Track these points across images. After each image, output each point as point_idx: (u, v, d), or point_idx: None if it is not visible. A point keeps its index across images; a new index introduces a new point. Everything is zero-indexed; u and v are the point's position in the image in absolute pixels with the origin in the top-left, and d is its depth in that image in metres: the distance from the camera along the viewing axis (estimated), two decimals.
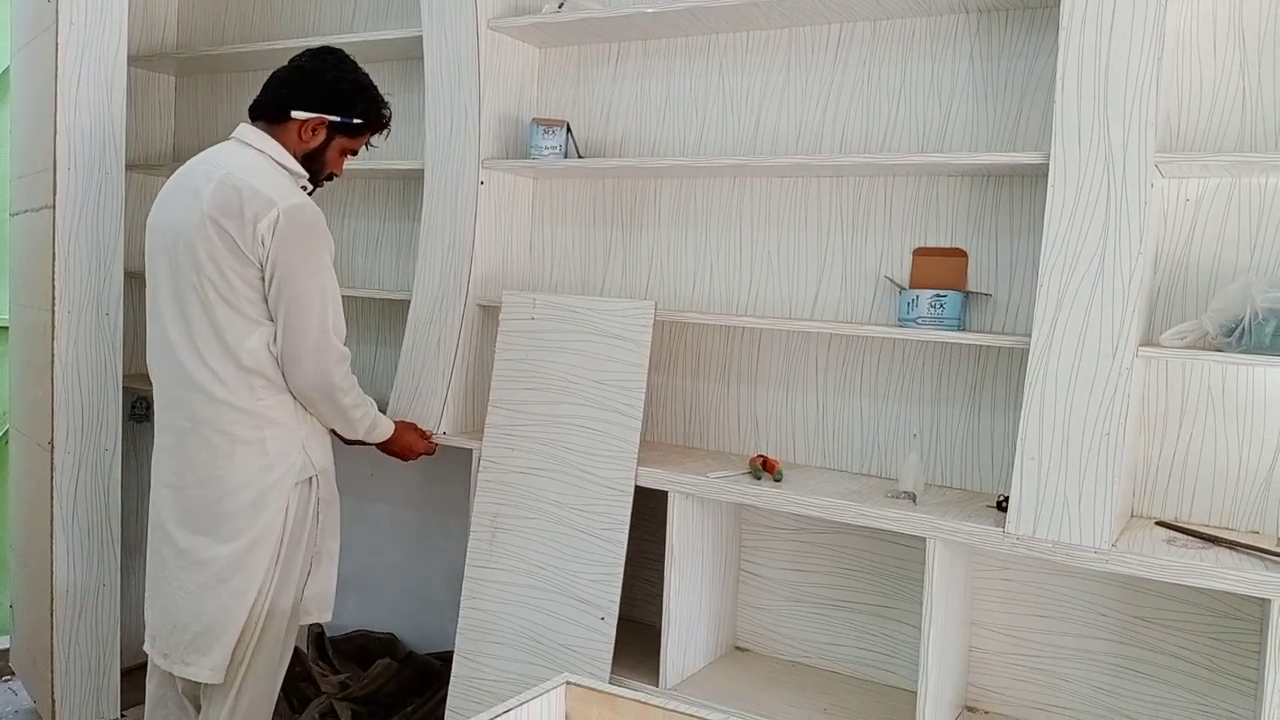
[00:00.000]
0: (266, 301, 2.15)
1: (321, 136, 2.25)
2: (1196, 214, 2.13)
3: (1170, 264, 2.15)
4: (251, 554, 2.17)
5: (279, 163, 2.21)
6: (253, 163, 2.18)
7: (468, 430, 2.77)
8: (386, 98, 2.37)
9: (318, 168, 2.30)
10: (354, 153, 2.37)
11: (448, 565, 3.09)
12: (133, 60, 3.13)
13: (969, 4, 2.28)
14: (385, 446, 2.50)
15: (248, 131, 2.24)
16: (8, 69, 3.34)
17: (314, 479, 2.27)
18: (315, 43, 2.47)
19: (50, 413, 2.78)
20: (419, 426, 2.66)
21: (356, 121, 2.28)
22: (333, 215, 3.31)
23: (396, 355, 2.86)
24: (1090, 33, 1.94)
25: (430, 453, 2.65)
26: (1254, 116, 2.07)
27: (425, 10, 2.75)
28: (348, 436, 2.38)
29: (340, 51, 2.33)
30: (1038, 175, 2.14)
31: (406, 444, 2.55)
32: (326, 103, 2.25)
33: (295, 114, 2.23)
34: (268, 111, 2.25)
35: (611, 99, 2.83)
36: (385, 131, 2.39)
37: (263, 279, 2.13)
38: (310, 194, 2.27)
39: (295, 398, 2.22)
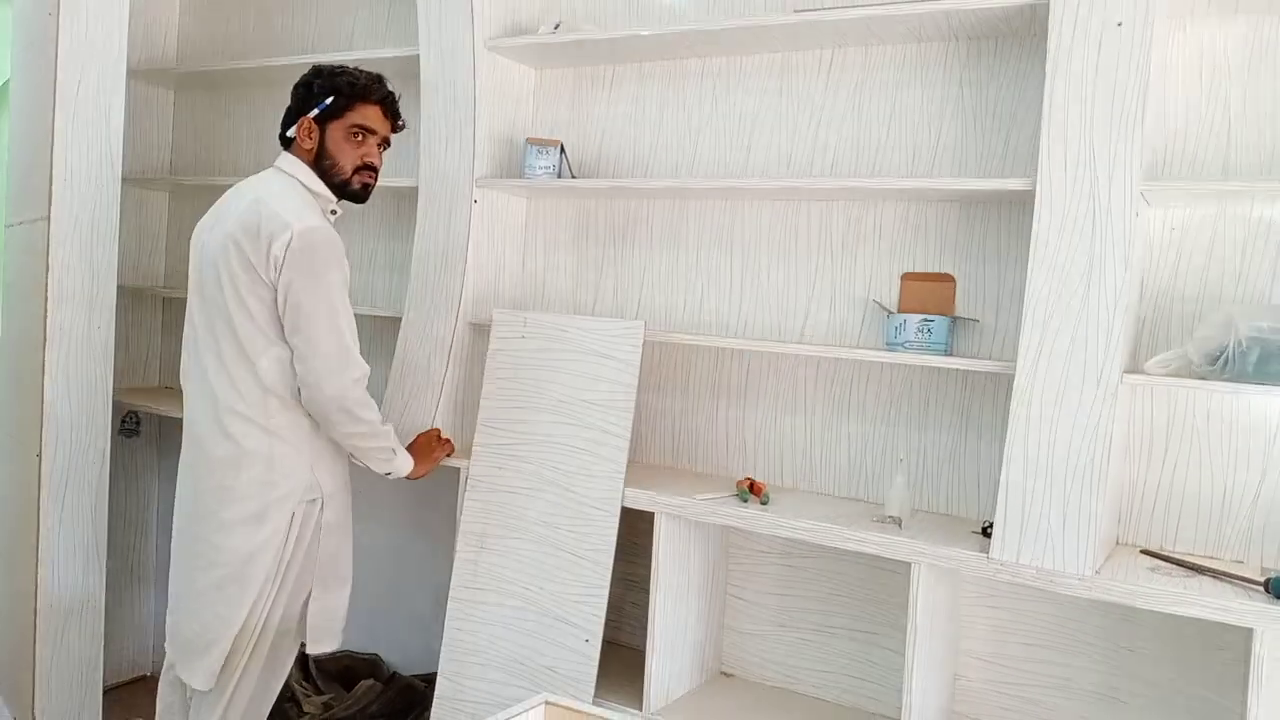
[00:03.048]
0: (281, 322, 2.17)
1: (315, 135, 2.27)
2: (1182, 242, 2.14)
3: (1156, 292, 2.16)
4: (249, 566, 2.20)
5: (307, 187, 2.27)
6: (282, 188, 2.24)
7: (457, 449, 2.76)
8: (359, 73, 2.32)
9: (330, 165, 2.27)
10: (365, 132, 2.28)
11: (434, 585, 3.07)
12: (132, 74, 3.15)
13: (958, 31, 2.30)
14: (416, 474, 2.46)
15: (284, 159, 2.31)
16: (8, 82, 3.36)
17: (320, 501, 2.27)
18: (314, 60, 2.50)
19: (39, 425, 2.77)
20: (430, 436, 2.58)
21: (328, 101, 2.25)
22: None
23: (387, 373, 2.86)
24: (1077, 62, 1.96)
25: (450, 453, 2.60)
26: (1237, 147, 2.08)
27: (423, 30, 2.77)
28: (376, 464, 2.33)
29: (321, 65, 2.34)
30: (1025, 201, 2.15)
31: (433, 460, 2.52)
32: (300, 104, 2.30)
33: (290, 133, 2.31)
34: (284, 143, 2.33)
35: (606, 120, 2.84)
36: (378, 95, 2.30)
37: (276, 300, 2.16)
38: (364, 197, 2.34)
39: (315, 420, 2.24)
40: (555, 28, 2.70)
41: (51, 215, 2.76)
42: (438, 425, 2.71)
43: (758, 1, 2.62)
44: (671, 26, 2.51)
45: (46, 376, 2.77)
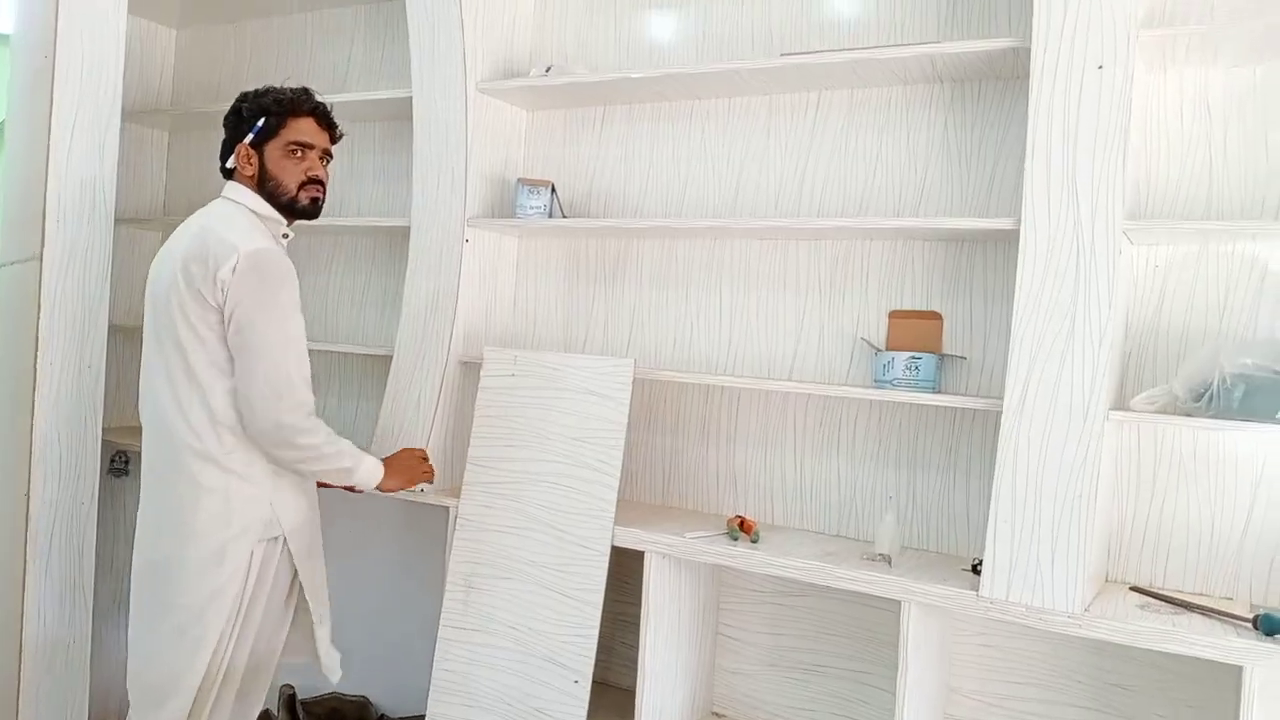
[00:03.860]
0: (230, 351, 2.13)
1: (255, 160, 2.25)
2: (1166, 280, 2.16)
3: (1141, 329, 2.18)
4: (210, 607, 2.14)
5: (254, 211, 2.24)
6: (229, 214, 2.22)
7: (446, 488, 2.76)
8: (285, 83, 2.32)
9: (275, 186, 2.24)
10: (303, 148, 2.25)
11: (423, 626, 3.04)
12: (127, 115, 3.17)
13: (942, 74, 2.33)
14: (386, 486, 2.38)
15: (229, 188, 2.29)
16: (3, 123, 3.39)
17: (281, 539, 2.22)
18: None
19: (28, 464, 2.76)
20: (414, 454, 2.51)
21: (259, 123, 2.24)
22: (318, 269, 3.34)
23: (378, 411, 2.86)
24: (1059, 103, 1.99)
25: (429, 479, 2.54)
26: (1220, 185, 2.11)
27: (416, 72, 2.81)
28: (337, 483, 2.29)
29: (247, 91, 2.33)
30: (1011, 240, 2.17)
31: (408, 478, 2.45)
32: (234, 132, 2.29)
33: (229, 164, 2.29)
34: (226, 174, 2.32)
35: (596, 160, 2.87)
36: (308, 108, 2.27)
37: (224, 324, 2.12)
38: (315, 212, 2.30)
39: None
40: (547, 70, 2.74)
41: (44, 255, 2.76)
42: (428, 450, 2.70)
43: (745, 45, 2.66)
44: (661, 69, 2.54)
45: (36, 416, 2.76)
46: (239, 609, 2.17)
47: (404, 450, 2.50)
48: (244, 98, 2.30)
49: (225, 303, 2.10)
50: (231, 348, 2.12)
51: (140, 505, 2.28)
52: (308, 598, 2.30)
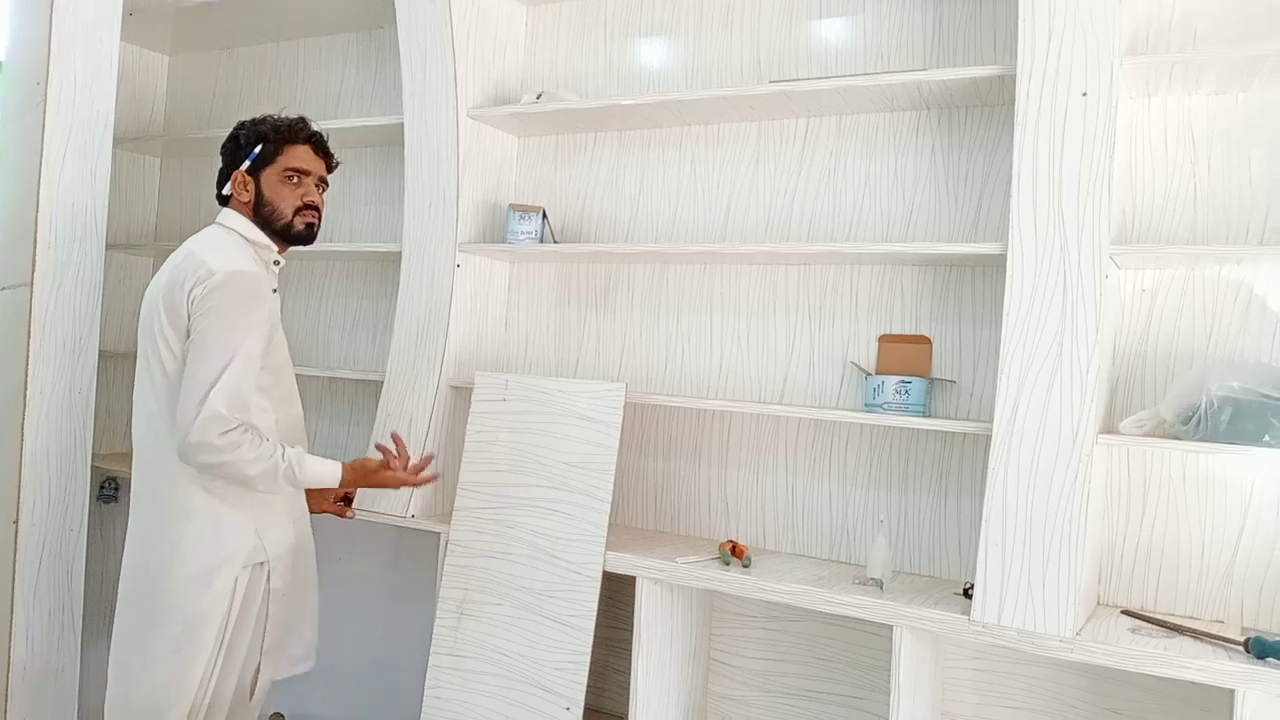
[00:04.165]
0: None
1: (251, 187, 2.26)
2: (1153, 304, 2.18)
3: (1129, 353, 2.19)
4: (195, 630, 2.12)
5: (246, 237, 2.25)
6: (218, 239, 2.23)
7: (437, 513, 2.75)
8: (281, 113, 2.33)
9: (270, 211, 2.25)
10: (300, 174, 2.26)
11: (415, 653, 3.03)
12: (119, 141, 3.18)
13: (929, 101, 2.36)
14: (353, 484, 2.29)
15: (223, 214, 2.30)
16: None
17: (266, 565, 2.20)
18: None
19: (17, 491, 2.75)
20: (391, 457, 2.33)
21: (256, 150, 2.26)
22: (311, 294, 3.35)
23: (369, 436, 2.85)
24: (1045, 130, 2.01)
25: (416, 485, 2.37)
26: (1204, 210, 2.13)
27: (407, 98, 2.82)
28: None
29: (244, 120, 2.34)
30: (999, 264, 2.19)
31: (378, 481, 2.31)
32: (231, 159, 2.30)
33: (225, 190, 2.29)
34: (222, 201, 2.32)
35: (587, 185, 2.89)
36: (304, 135, 2.28)
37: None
38: (310, 238, 2.29)
39: None
40: (537, 97, 2.76)
41: (35, 281, 2.76)
42: (417, 489, 2.68)
43: (735, 72, 2.68)
44: (651, 96, 2.56)
45: (25, 442, 2.75)
46: (224, 636, 2.15)
47: (370, 461, 2.32)
48: (242, 125, 2.32)
49: (190, 318, 2.09)
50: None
51: (129, 525, 2.27)
52: (268, 628, 2.22)
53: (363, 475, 2.30)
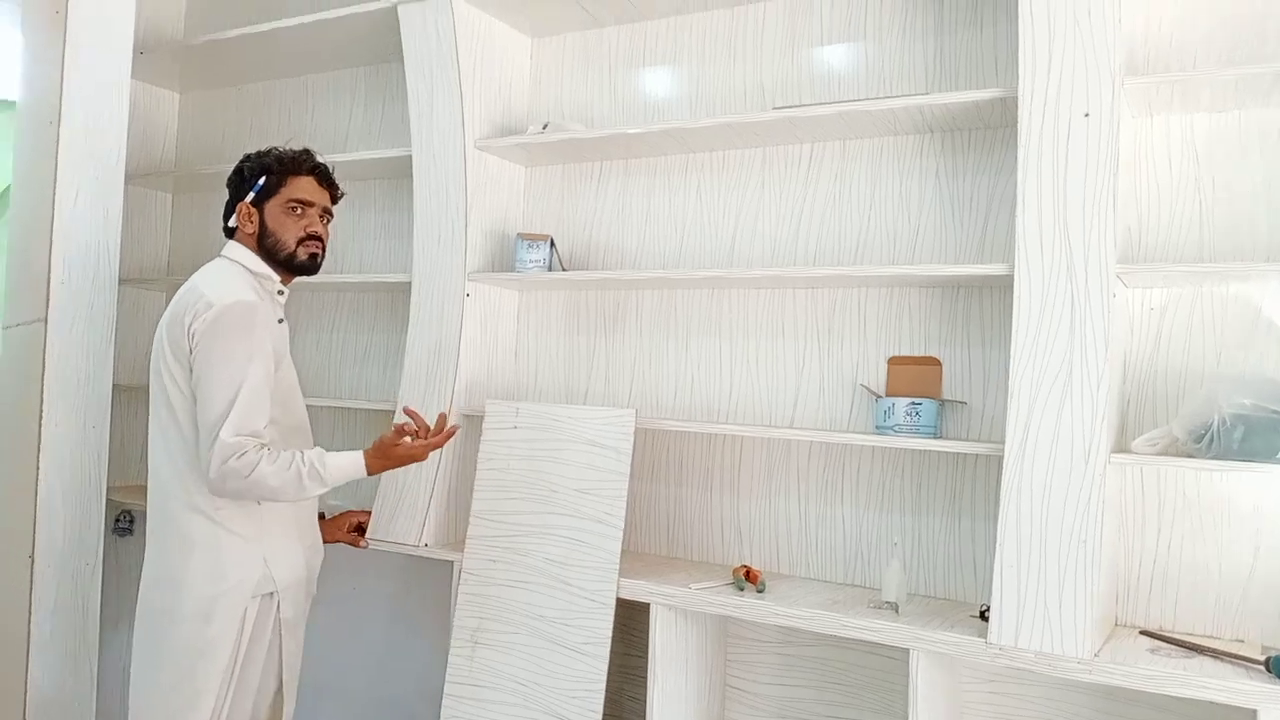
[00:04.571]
0: None
1: (255, 218, 2.28)
2: (1161, 322, 2.18)
3: (1139, 371, 2.19)
4: (201, 663, 2.12)
5: (248, 268, 2.27)
6: (221, 271, 2.25)
7: (450, 542, 2.75)
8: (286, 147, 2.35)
9: (274, 242, 2.27)
10: (303, 205, 2.28)
11: (429, 682, 3.02)
12: (131, 178, 3.22)
13: (932, 124, 2.37)
14: (380, 467, 2.27)
15: (228, 247, 2.33)
16: (9, 187, 3.43)
17: (275, 595, 2.21)
18: None
19: (33, 525, 2.76)
20: (410, 431, 2.32)
21: (260, 182, 2.29)
22: (321, 326, 3.37)
23: None
24: (1048, 150, 2.02)
25: (440, 444, 2.34)
26: (1211, 228, 2.14)
27: (415, 131, 2.85)
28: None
29: (249, 152, 2.37)
30: (1006, 285, 2.19)
31: (399, 456, 2.28)
32: (235, 192, 2.33)
33: (230, 223, 2.32)
34: (228, 233, 2.35)
35: (594, 214, 2.91)
36: (308, 167, 2.31)
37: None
38: (314, 268, 2.31)
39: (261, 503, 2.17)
40: (544, 127, 2.78)
41: (48, 317, 2.79)
42: (430, 518, 2.69)
43: (739, 99, 2.71)
44: (656, 125, 2.58)
45: (41, 477, 2.77)
46: (233, 668, 2.15)
47: (385, 437, 2.30)
48: (246, 158, 2.35)
49: (191, 353, 2.11)
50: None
51: (144, 558, 2.30)
52: (284, 665, 2.24)
53: (386, 456, 2.27)
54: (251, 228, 2.28)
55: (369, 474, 2.26)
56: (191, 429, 2.14)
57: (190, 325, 2.12)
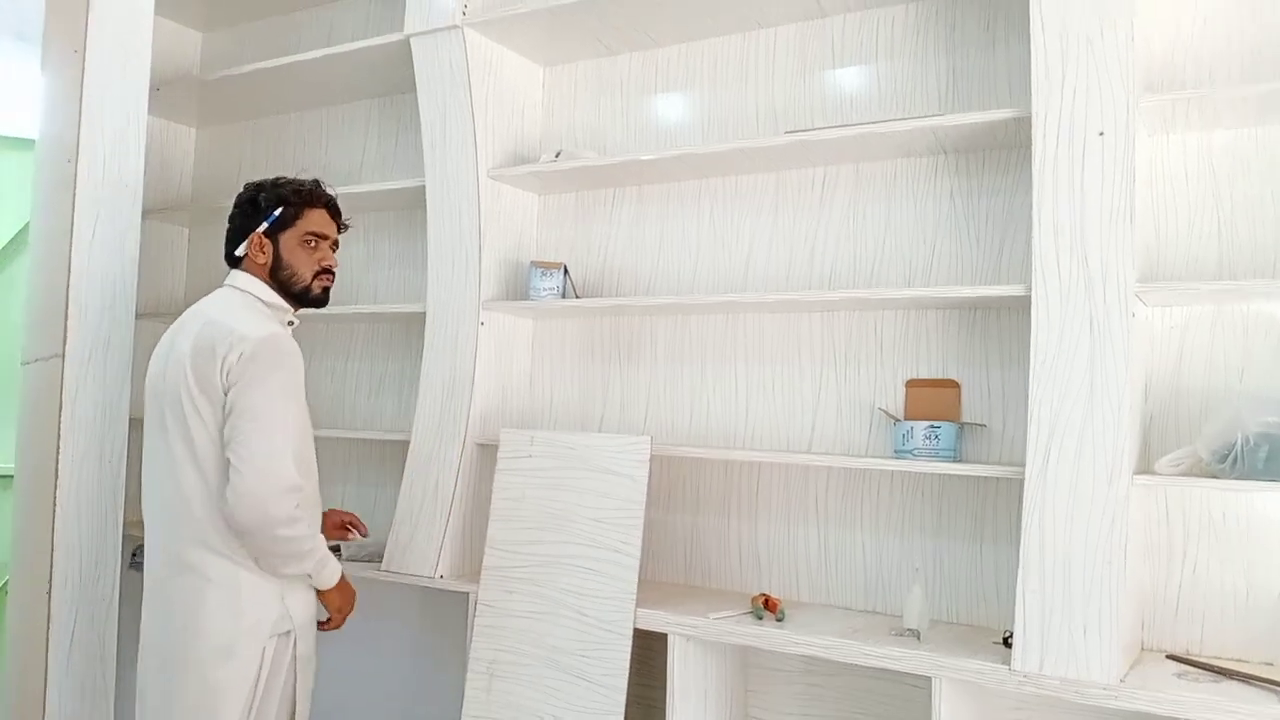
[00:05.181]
0: None
1: (269, 249, 2.25)
2: (1183, 341, 2.15)
3: (1161, 390, 2.16)
4: (218, 703, 2.07)
5: (261, 299, 2.24)
6: (236, 303, 2.22)
7: (465, 573, 2.73)
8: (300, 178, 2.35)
9: (290, 275, 2.26)
10: (318, 238, 2.29)
11: (446, 716, 2.99)
12: (149, 212, 3.24)
13: (946, 145, 2.36)
14: (331, 595, 2.24)
15: (236, 276, 2.28)
16: (26, 225, 3.47)
17: (292, 634, 2.17)
18: None
19: (50, 560, 2.76)
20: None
21: (276, 212, 2.26)
22: (336, 356, 3.38)
23: (396, 497, 2.85)
24: (1063, 170, 2.01)
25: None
26: (1230, 244, 2.12)
27: (428, 161, 2.87)
28: (289, 574, 2.14)
29: (259, 180, 2.33)
30: (1024, 306, 2.17)
31: (347, 605, 2.29)
32: (247, 220, 2.28)
33: (239, 251, 2.28)
34: (234, 261, 2.30)
35: (608, 240, 2.91)
36: (324, 200, 2.32)
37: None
38: (326, 300, 2.31)
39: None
40: (556, 155, 2.79)
41: (66, 352, 2.81)
42: (445, 548, 2.68)
43: (751, 124, 2.71)
44: (668, 151, 2.59)
45: (58, 511, 2.77)
46: (251, 708, 2.11)
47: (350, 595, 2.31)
48: (259, 186, 2.30)
49: (228, 389, 2.08)
50: (225, 434, 2.07)
51: (144, 603, 2.22)
52: (297, 702, 2.20)
53: (344, 595, 2.28)
54: (264, 259, 2.25)
55: (324, 586, 2.21)
56: (214, 468, 2.09)
57: (225, 358, 2.07)
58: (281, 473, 2.05)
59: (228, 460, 2.05)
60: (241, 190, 2.34)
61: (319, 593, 2.23)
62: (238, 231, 2.30)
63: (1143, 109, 2.00)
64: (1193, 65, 2.17)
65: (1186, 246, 2.16)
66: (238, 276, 2.28)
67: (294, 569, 2.12)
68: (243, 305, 2.22)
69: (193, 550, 2.12)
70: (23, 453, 3.14)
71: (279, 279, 2.26)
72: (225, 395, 2.08)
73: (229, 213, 2.32)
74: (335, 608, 2.26)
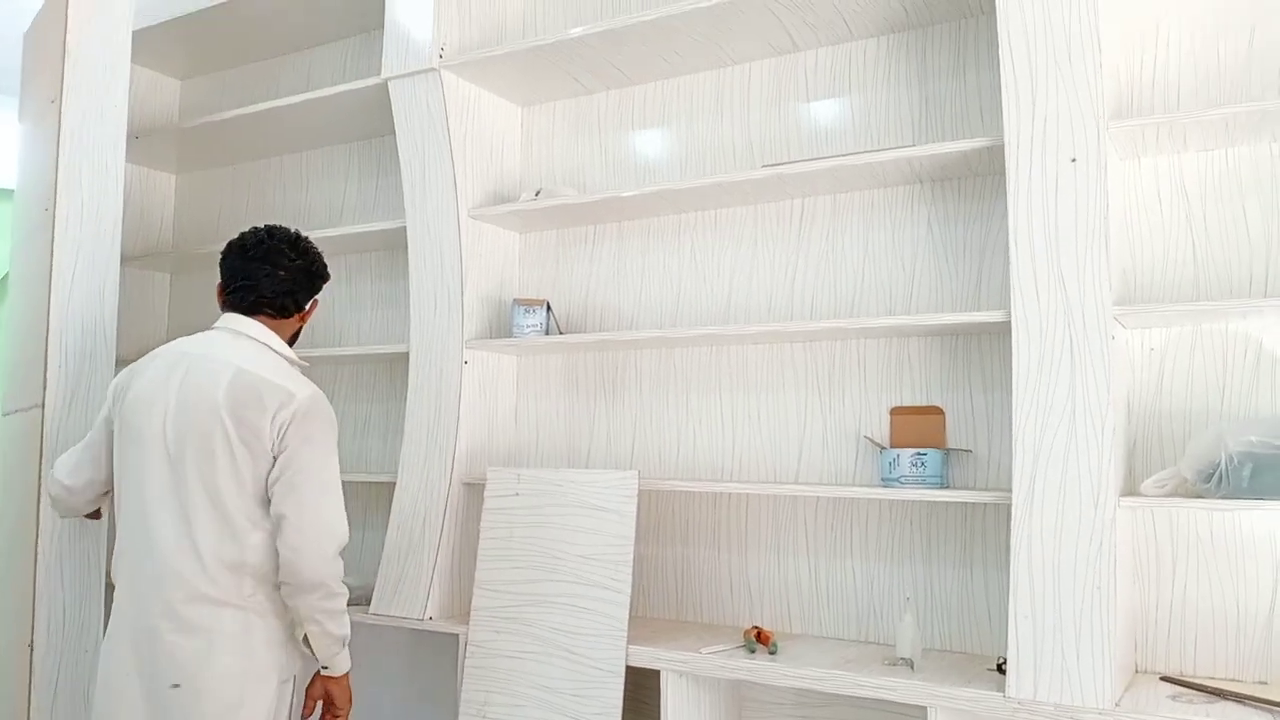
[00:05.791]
0: (270, 495, 2.07)
1: (312, 312, 2.35)
2: (1163, 362, 2.17)
3: (1143, 412, 2.17)
4: None
5: (278, 352, 2.22)
6: (258, 355, 2.17)
7: (455, 614, 2.71)
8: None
9: (298, 332, 2.34)
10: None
11: None
12: (129, 259, 3.24)
13: (921, 175, 2.39)
14: (341, 683, 2.20)
15: (245, 323, 2.22)
16: (7, 274, 3.45)
17: (291, 683, 2.14)
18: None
19: (31, 614, 2.72)
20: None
21: (324, 287, 2.37)
22: None
23: (383, 538, 2.83)
24: (1037, 196, 2.03)
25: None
26: (1204, 265, 2.14)
27: (409, 203, 2.87)
28: (334, 632, 2.12)
29: (298, 234, 2.32)
30: (1005, 332, 2.19)
31: (345, 695, 2.23)
32: (311, 286, 2.32)
33: (301, 308, 2.31)
34: (281, 310, 2.26)
35: (589, 276, 2.92)
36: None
37: (270, 472, 2.07)
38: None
39: (288, 593, 2.08)
40: (536, 194, 2.81)
41: (45, 402, 2.78)
42: (433, 589, 2.65)
43: (728, 158, 2.73)
44: (647, 187, 2.60)
45: (39, 564, 2.73)
46: None
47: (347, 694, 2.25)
48: (309, 254, 2.30)
49: (280, 446, 2.06)
50: (279, 490, 2.05)
51: (121, 659, 2.09)
52: None
53: (342, 687, 2.22)
54: (308, 320, 2.35)
55: (338, 671, 2.18)
56: (243, 518, 2.05)
57: (276, 414, 2.05)
58: (338, 530, 2.11)
59: (280, 515, 2.05)
60: (280, 237, 2.27)
61: (326, 680, 2.18)
62: (308, 292, 2.31)
63: (1113, 134, 2.03)
64: (1160, 90, 2.20)
65: (1162, 269, 2.18)
66: (251, 325, 2.21)
67: (341, 627, 2.12)
68: (265, 357, 2.18)
69: (198, 608, 2.04)
70: (3, 503, 3.10)
71: (291, 338, 2.31)
72: (272, 449, 2.07)
73: (270, 258, 2.24)
74: (345, 699, 2.21)
